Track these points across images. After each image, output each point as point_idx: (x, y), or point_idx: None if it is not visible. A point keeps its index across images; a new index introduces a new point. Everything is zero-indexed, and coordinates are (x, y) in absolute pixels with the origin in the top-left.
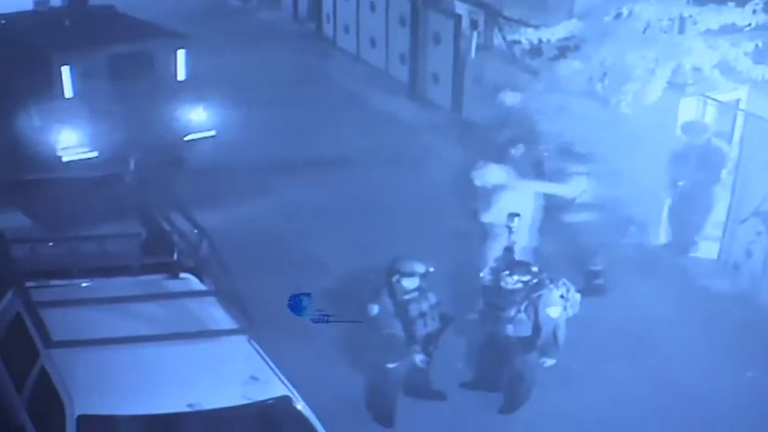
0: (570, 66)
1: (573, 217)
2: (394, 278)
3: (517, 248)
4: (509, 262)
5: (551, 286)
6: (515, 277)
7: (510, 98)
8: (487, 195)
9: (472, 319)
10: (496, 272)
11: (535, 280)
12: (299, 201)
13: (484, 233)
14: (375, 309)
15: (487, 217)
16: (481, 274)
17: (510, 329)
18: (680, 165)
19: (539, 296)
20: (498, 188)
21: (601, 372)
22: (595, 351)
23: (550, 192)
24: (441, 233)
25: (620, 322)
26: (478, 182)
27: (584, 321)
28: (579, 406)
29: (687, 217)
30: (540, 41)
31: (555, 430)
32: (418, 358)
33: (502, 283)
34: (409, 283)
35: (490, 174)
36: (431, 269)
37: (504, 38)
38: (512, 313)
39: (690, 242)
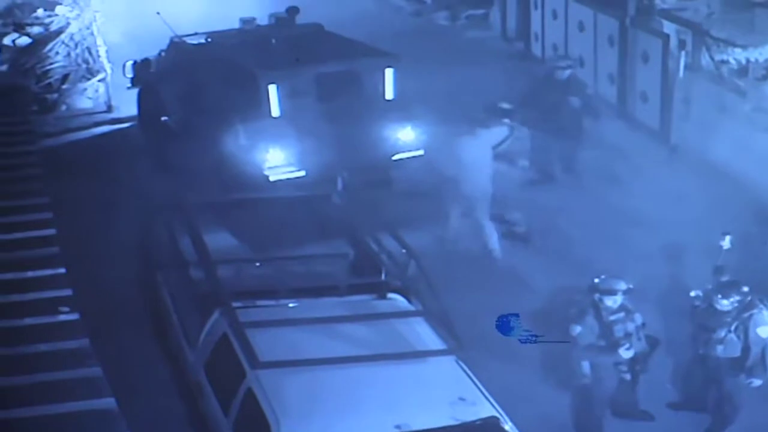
0: None
1: None
2: (596, 296)
3: None
4: (720, 283)
5: (761, 305)
6: (731, 299)
7: None
8: None
9: (680, 340)
10: (707, 293)
11: (747, 299)
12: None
13: None
14: (577, 329)
15: None
16: (692, 294)
17: (720, 350)
18: None
19: (750, 316)
20: None
21: None
22: None
23: None
24: (648, 253)
25: None
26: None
27: None
28: None
29: None
30: (748, 61)
31: None
32: (627, 377)
33: (716, 305)
34: (611, 301)
35: None
36: (631, 286)
37: (712, 58)
38: (722, 333)
39: None
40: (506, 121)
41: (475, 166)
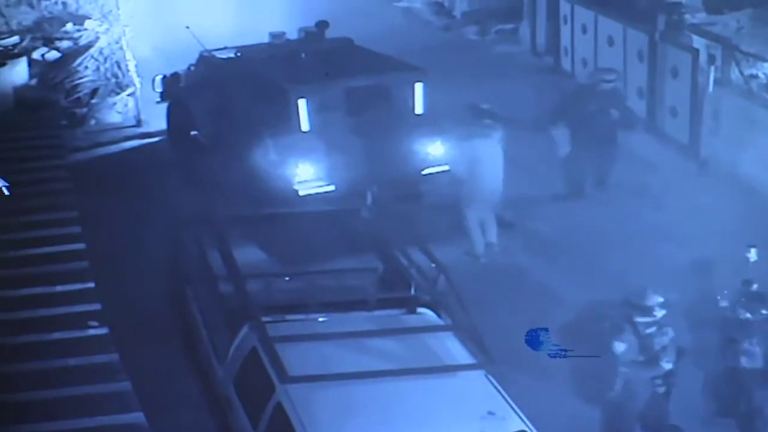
0: None
1: None
2: (632, 311)
3: None
4: (748, 294)
5: None
6: (758, 311)
7: None
8: None
9: (709, 352)
10: (734, 304)
11: None
12: (537, 234)
13: None
14: (621, 346)
15: None
16: (721, 303)
17: (749, 362)
18: None
19: None
20: None
21: None
22: None
23: None
24: (677, 266)
25: None
26: None
27: None
28: None
29: None
30: None
31: None
32: (660, 390)
33: (742, 317)
34: (648, 316)
35: None
36: (661, 299)
37: (741, 73)
38: (751, 345)
39: None
40: (487, 121)
41: (489, 165)
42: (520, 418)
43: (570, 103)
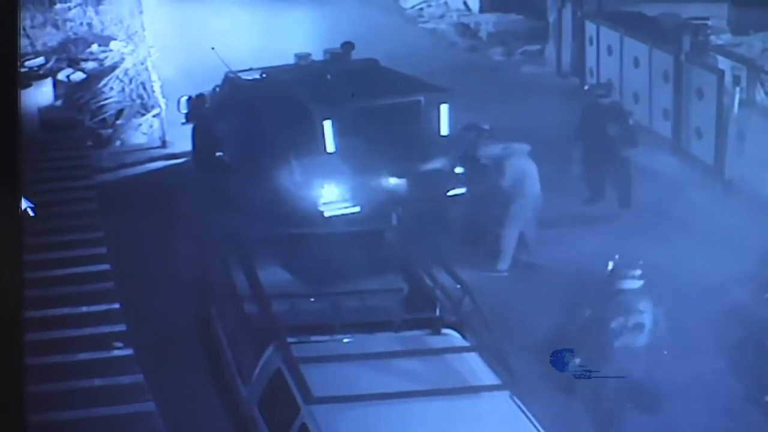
0: None
1: None
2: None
3: None
4: None
5: None
6: None
7: None
8: None
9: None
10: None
11: None
12: (563, 258)
13: None
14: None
15: None
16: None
17: None
18: None
19: None
20: None
21: None
22: None
23: None
24: (702, 286)
25: None
26: None
27: None
28: None
29: None
30: None
31: None
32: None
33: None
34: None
35: None
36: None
37: (766, 93)
38: None
39: None
40: (502, 145)
41: (532, 181)
42: None
43: (580, 121)
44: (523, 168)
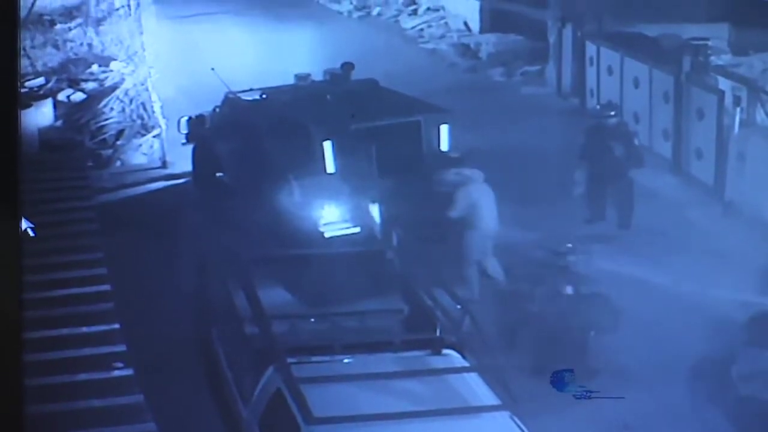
0: None
1: None
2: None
3: None
4: None
5: None
6: None
7: None
8: None
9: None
10: None
11: None
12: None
13: None
14: None
15: None
16: None
17: None
18: None
19: None
20: None
21: None
22: None
23: None
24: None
25: None
26: None
27: None
28: None
29: None
30: None
31: None
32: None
33: None
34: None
35: None
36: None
37: (767, 114)
38: None
39: None
40: (454, 171)
41: (489, 209)
42: None
43: (585, 141)
44: (476, 198)
